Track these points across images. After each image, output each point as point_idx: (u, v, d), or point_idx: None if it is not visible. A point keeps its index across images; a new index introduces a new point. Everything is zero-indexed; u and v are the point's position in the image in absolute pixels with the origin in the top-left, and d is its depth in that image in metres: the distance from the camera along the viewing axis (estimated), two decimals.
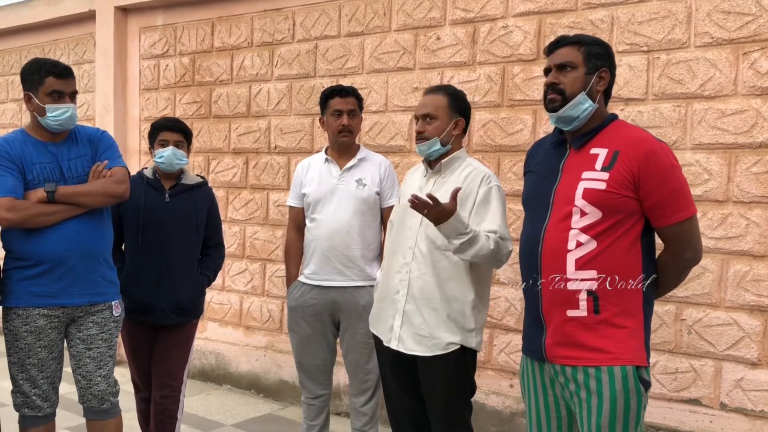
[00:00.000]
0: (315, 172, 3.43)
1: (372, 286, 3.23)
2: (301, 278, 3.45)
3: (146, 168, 3.44)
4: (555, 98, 2.23)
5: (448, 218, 2.46)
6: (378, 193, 3.35)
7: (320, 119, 3.48)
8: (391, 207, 3.20)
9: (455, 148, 2.82)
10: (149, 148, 3.41)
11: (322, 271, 3.34)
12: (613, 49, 2.36)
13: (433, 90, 2.86)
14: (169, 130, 3.32)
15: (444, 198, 2.53)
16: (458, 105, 2.82)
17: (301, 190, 3.46)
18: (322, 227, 3.34)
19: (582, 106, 2.20)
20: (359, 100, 3.43)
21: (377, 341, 2.93)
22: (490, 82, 4.05)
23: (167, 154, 3.28)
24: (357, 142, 3.54)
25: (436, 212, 2.46)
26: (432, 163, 2.83)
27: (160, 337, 3.36)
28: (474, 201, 2.70)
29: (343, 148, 3.40)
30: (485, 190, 2.71)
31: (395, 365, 2.83)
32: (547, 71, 2.30)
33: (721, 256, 3.41)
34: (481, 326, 2.76)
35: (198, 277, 3.39)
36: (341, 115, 3.34)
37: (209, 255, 3.48)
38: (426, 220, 2.56)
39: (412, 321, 2.72)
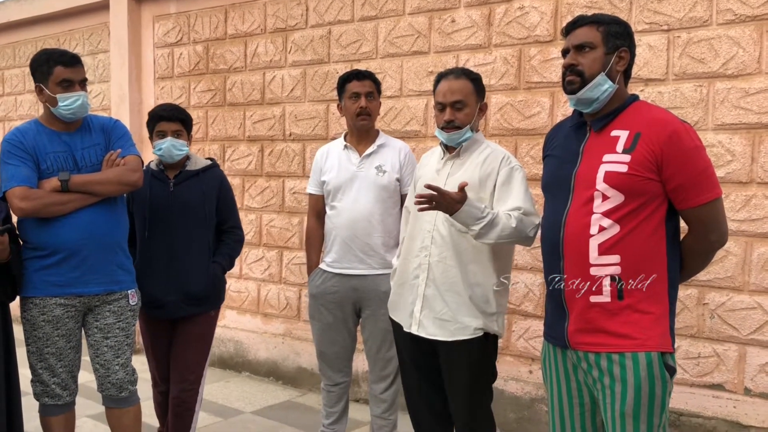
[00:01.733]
0: (334, 159, 3.40)
1: None
2: (322, 266, 3.43)
3: (152, 161, 3.40)
4: (574, 80, 2.17)
5: (461, 206, 2.43)
6: (398, 180, 3.32)
7: (338, 105, 3.44)
8: None
9: (475, 131, 2.79)
10: (149, 138, 3.34)
11: (343, 259, 3.33)
12: (632, 29, 2.30)
13: (456, 75, 2.74)
14: (165, 120, 3.24)
15: (460, 181, 2.50)
16: (480, 89, 2.78)
17: (321, 178, 3.43)
18: (343, 215, 3.32)
19: (602, 87, 2.15)
20: (377, 83, 3.39)
21: (396, 328, 2.91)
22: (507, 65, 3.99)
23: (165, 146, 3.22)
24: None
25: (446, 203, 2.43)
26: (450, 147, 2.78)
27: (178, 331, 3.32)
28: (495, 182, 2.67)
29: (362, 133, 3.37)
30: (506, 171, 2.68)
31: (414, 352, 2.81)
32: (565, 52, 2.25)
33: (744, 239, 3.35)
34: (503, 310, 2.74)
35: (210, 265, 3.31)
36: (359, 97, 3.31)
37: (223, 241, 3.41)
38: None
39: (433, 305, 2.70)
